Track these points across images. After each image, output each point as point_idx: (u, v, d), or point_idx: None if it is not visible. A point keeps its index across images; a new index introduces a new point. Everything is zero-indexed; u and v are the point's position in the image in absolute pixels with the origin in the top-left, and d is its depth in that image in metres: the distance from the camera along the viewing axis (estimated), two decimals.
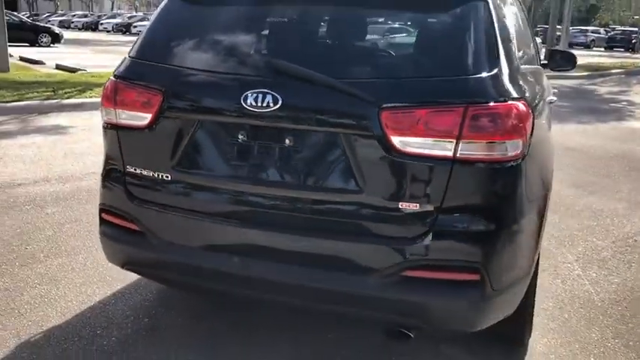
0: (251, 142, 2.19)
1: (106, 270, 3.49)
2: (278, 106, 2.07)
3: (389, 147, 2.00)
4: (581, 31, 45.62)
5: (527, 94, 2.23)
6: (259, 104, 2.08)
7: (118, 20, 45.34)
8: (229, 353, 2.73)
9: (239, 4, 2.41)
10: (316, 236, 2.14)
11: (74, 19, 49.47)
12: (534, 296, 2.94)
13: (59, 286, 3.34)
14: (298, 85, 2.09)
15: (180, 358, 2.68)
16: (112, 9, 66.37)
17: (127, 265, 2.54)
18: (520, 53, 2.69)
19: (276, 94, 2.06)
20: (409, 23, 2.36)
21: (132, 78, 2.39)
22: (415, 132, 1.98)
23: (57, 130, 7.81)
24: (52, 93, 9.88)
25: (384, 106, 2.00)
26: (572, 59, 4.49)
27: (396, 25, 2.33)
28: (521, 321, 2.64)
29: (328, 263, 2.15)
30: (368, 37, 2.39)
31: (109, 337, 2.85)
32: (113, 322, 2.98)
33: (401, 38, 2.32)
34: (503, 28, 2.26)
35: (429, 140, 1.98)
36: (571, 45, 38.77)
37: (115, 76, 2.46)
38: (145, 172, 2.38)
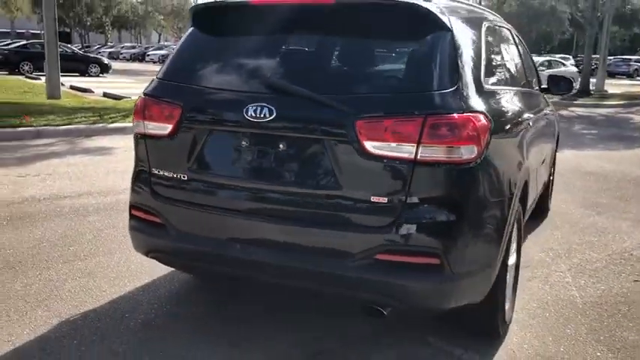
0: (252, 146, 2.64)
1: (136, 267, 3.96)
2: (273, 116, 2.51)
3: (362, 150, 2.42)
4: (624, 60, 45.16)
5: (488, 109, 2.62)
6: (258, 115, 2.53)
7: (163, 52, 47.17)
8: (239, 336, 3.14)
9: (242, 37, 2.89)
10: (304, 225, 2.55)
11: (123, 51, 51.73)
12: (514, 292, 3.29)
13: (95, 279, 3.82)
14: (289, 100, 2.53)
15: (195, 338, 3.10)
16: (159, 41, 68.88)
17: (150, 252, 3.00)
18: (495, 77, 3.09)
19: (272, 107, 2.51)
20: (382, 49, 2.78)
21: (157, 95, 2.88)
22: (383, 138, 2.40)
23: (101, 151, 8.47)
24: (98, 118, 10.62)
25: (359, 116, 2.42)
26: (569, 84, 4.83)
27: (371, 50, 2.74)
28: (493, 312, 2.97)
29: (315, 248, 2.55)
30: (347, 60, 2.82)
31: (135, 319, 3.29)
32: (139, 308, 3.44)
33: (374, 61, 2.73)
34: (468, 55, 2.67)
35: (395, 144, 2.39)
36: (612, 74, 38.48)
37: (144, 94, 2.96)
38: (166, 173, 2.85)
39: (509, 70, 3.56)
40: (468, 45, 2.73)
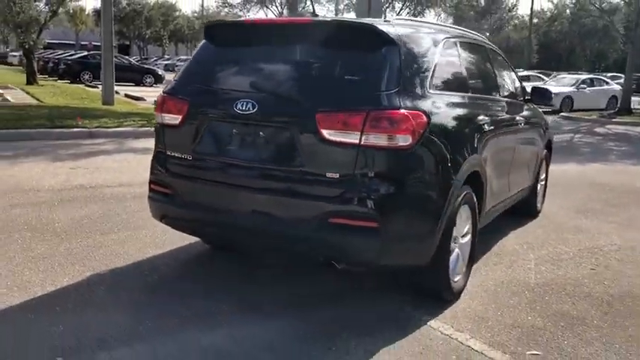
0: (240, 133, 3.37)
1: (160, 240, 4.73)
2: (255, 110, 3.24)
3: (320, 137, 3.11)
4: None
5: (428, 108, 3.28)
6: (244, 108, 3.26)
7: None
8: (239, 292, 3.86)
9: (238, 48, 3.66)
10: (277, 195, 3.26)
11: (178, 63, 53.82)
12: (468, 266, 3.91)
13: (125, 247, 4.61)
14: (268, 96, 3.26)
15: (197, 290, 3.84)
16: None
17: (163, 218, 3.77)
18: (446, 84, 3.72)
19: (254, 102, 3.24)
20: (343, 58, 3.42)
21: (172, 93, 3.66)
22: (336, 127, 3.08)
23: (145, 150, 9.36)
24: (146, 122, 11.63)
25: (319, 110, 3.12)
26: (547, 94, 5.41)
27: (334, 59, 3.42)
28: (436, 277, 3.59)
29: (286, 214, 3.25)
30: (314, 67, 3.49)
31: (152, 276, 4.07)
32: (158, 269, 4.21)
33: (336, 68, 3.41)
34: (413, 65, 3.34)
35: (345, 132, 3.07)
36: None
37: (163, 92, 3.74)
38: (176, 154, 3.61)
39: (469, 80, 4.16)
40: (415, 57, 3.40)
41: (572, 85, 23.77)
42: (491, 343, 3.28)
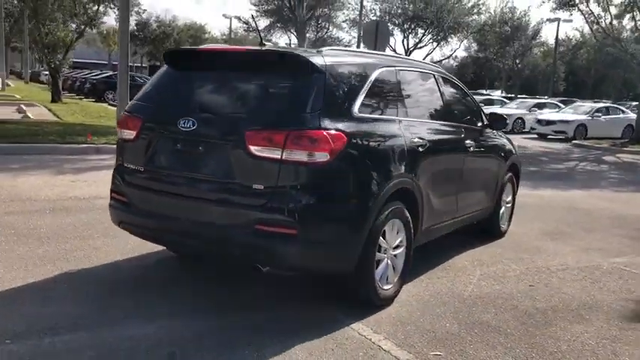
0: (182, 148, 3.78)
1: (131, 247, 5.13)
2: (195, 127, 3.65)
3: (248, 152, 3.50)
4: None
5: (350, 129, 3.64)
6: (185, 126, 3.68)
7: None
8: (186, 293, 4.25)
9: (188, 72, 4.09)
10: (213, 204, 3.65)
11: None
12: (401, 276, 4.24)
13: (98, 252, 5.03)
14: (205, 115, 3.68)
15: (149, 291, 4.23)
16: None
17: (120, 223, 4.18)
18: (375, 108, 4.08)
19: (194, 120, 3.65)
20: (273, 83, 3.79)
21: (129, 111, 4.10)
22: (262, 144, 3.47)
23: None
24: None
25: (247, 128, 3.52)
26: (502, 120, 5.77)
27: (265, 84, 3.80)
28: (363, 284, 3.92)
29: (221, 221, 3.63)
30: (247, 90, 3.87)
31: (114, 276, 4.49)
32: (121, 271, 4.64)
33: (266, 91, 3.79)
34: (338, 91, 3.72)
35: (269, 148, 3.46)
36: None
37: (124, 110, 4.18)
38: (131, 166, 4.04)
39: (406, 105, 4.50)
40: (340, 84, 3.78)
41: (586, 114, 23.82)
42: (401, 344, 3.59)
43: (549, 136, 23.39)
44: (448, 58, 52.79)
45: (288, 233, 3.47)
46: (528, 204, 8.52)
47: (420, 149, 4.40)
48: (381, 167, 3.94)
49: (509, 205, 6.66)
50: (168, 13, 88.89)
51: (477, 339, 3.74)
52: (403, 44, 45.51)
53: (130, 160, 4.07)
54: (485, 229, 6.35)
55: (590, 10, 23.56)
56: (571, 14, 24.98)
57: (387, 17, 43.47)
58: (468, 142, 5.34)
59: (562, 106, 27.81)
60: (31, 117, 15.36)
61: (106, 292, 4.20)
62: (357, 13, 36.90)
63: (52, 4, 21.40)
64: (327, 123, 3.55)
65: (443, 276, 5.00)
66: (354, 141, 3.69)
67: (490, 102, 30.16)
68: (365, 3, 39.12)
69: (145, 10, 31.39)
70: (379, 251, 4.05)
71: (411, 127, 4.41)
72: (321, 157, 3.48)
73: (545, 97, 38.98)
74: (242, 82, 3.88)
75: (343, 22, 40.37)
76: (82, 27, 22.44)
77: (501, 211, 6.41)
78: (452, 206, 5.18)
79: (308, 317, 3.90)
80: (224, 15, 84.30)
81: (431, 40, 44.89)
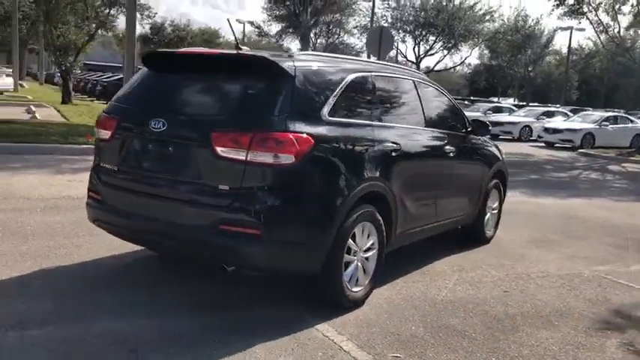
0: (153, 148, 3.86)
1: (113, 246, 5.19)
2: (165, 128, 3.73)
3: (215, 153, 3.57)
4: None
5: (318, 132, 3.70)
6: (156, 127, 3.76)
7: None
8: (161, 293, 4.32)
9: (163, 73, 4.18)
10: (180, 204, 3.72)
11: None
12: (372, 279, 4.32)
13: (80, 249, 5.13)
14: (175, 117, 3.75)
15: (123, 288, 4.31)
16: None
17: (95, 221, 4.27)
18: (347, 112, 4.12)
19: (164, 121, 3.73)
20: (244, 86, 3.85)
21: (107, 112, 4.20)
22: (228, 145, 3.54)
23: None
24: None
25: (214, 130, 3.59)
26: (485, 126, 5.81)
27: (235, 86, 3.87)
28: (330, 285, 3.97)
29: (188, 220, 3.70)
30: (217, 92, 3.94)
31: (92, 273, 4.57)
32: (100, 268, 4.73)
33: (236, 94, 3.86)
34: (308, 94, 3.79)
35: (234, 150, 3.53)
36: None
37: (103, 111, 4.28)
38: (107, 166, 4.13)
39: (380, 110, 4.56)
40: (310, 88, 3.85)
41: (594, 122, 23.68)
42: (362, 345, 3.64)
43: (556, 145, 23.28)
44: (460, 65, 52.75)
45: (251, 233, 3.54)
46: (522, 211, 8.53)
47: (393, 154, 4.45)
48: (349, 171, 3.98)
49: (495, 211, 6.68)
50: (184, 17, 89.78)
51: (439, 342, 3.78)
52: (414, 51, 45.53)
53: (105, 160, 4.16)
54: (470, 234, 6.37)
55: (599, 19, 23.47)
56: (579, 22, 24.87)
57: (399, 24, 43.57)
58: (447, 147, 5.38)
59: (570, 114, 27.66)
60: (39, 117, 15.59)
61: (82, 288, 4.28)
62: (369, 19, 37.07)
63: (65, 7, 21.70)
64: (294, 126, 3.61)
65: (419, 280, 5.03)
66: (322, 144, 3.75)
67: (499, 109, 30.07)
68: (377, 10, 39.22)
69: (155, 13, 31.76)
70: (348, 253, 4.10)
71: (385, 131, 4.45)
72: (287, 159, 3.54)
73: (557, 105, 38.72)
74: (213, 85, 3.96)
75: (354, 27, 40.49)
76: (94, 30, 22.72)
77: (486, 218, 6.43)
78: (430, 211, 5.21)
79: (278, 317, 3.95)
80: (237, 20, 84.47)
81: (442, 48, 44.88)
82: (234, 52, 4.06)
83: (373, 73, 4.59)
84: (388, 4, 40.92)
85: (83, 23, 22.61)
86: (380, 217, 4.33)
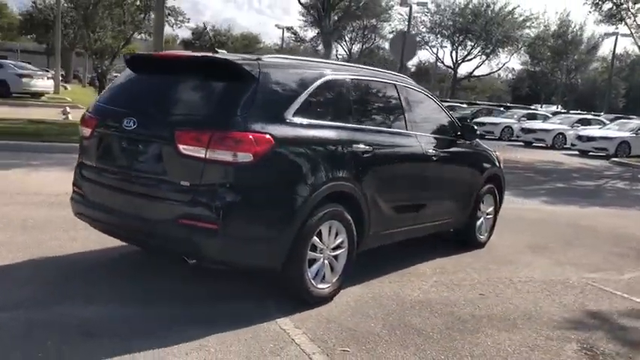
0: (126, 145, 4.06)
1: (106, 240, 5.46)
2: (135, 126, 3.93)
3: (177, 151, 3.74)
4: None
5: (278, 133, 3.83)
6: (128, 125, 3.96)
7: None
8: (132, 284, 4.52)
9: (139, 75, 4.39)
10: (146, 199, 3.91)
11: None
12: (339, 276, 4.42)
13: (74, 242, 5.36)
14: (144, 116, 3.95)
15: (100, 279, 4.52)
16: None
17: (78, 215, 4.50)
18: (312, 114, 4.19)
19: (135, 120, 3.93)
20: (208, 87, 4.01)
21: (89, 111, 4.43)
22: (189, 143, 3.71)
23: None
24: None
25: (177, 129, 3.77)
26: (472, 130, 5.86)
27: (200, 88, 4.04)
28: (293, 280, 4.10)
29: (152, 214, 3.89)
30: (183, 93, 4.10)
31: (76, 264, 4.80)
32: (85, 260, 4.96)
33: (200, 95, 4.04)
34: (271, 96, 3.94)
35: (195, 148, 3.69)
36: None
37: (86, 110, 4.52)
38: (87, 162, 4.36)
39: (353, 113, 4.64)
40: (275, 90, 3.99)
41: (631, 131, 23.06)
42: (315, 339, 3.74)
43: (590, 153, 22.77)
44: (499, 70, 52.02)
45: (209, 228, 3.69)
46: (530, 218, 8.48)
47: (365, 155, 4.52)
48: (313, 171, 4.08)
49: (489, 216, 6.66)
50: (229, 22, 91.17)
51: (394, 339, 3.85)
52: (451, 56, 45.23)
53: (86, 156, 4.39)
54: (461, 238, 6.39)
55: (638, 23, 22.87)
56: (617, 27, 24.29)
57: (438, 29, 43.34)
58: (431, 151, 5.42)
59: (607, 122, 26.99)
60: (70, 118, 16.18)
61: (63, 278, 4.51)
62: (406, 24, 37.03)
63: (102, 12, 22.46)
64: (254, 126, 3.75)
65: (397, 280, 5.09)
66: (283, 144, 3.87)
67: (533, 116, 29.57)
68: (416, 14, 39.07)
69: (188, 19, 32.64)
70: (314, 251, 4.21)
71: (357, 133, 4.54)
72: (245, 157, 3.69)
73: (601, 113, 37.77)
74: (183, 86, 4.14)
75: (390, 33, 40.48)
76: (130, 34, 23.43)
77: (479, 222, 6.43)
78: (410, 213, 5.27)
79: (244, 311, 4.08)
80: (276, 25, 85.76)
81: (480, 53, 44.39)
82: (207, 54, 4.24)
83: (348, 77, 4.70)
84: (427, 8, 40.83)
85: (120, 27, 23.33)
86: (349, 217, 4.42)
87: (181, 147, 3.74)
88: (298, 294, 4.19)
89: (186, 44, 64.25)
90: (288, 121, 3.99)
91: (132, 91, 4.32)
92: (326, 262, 4.34)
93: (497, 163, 6.66)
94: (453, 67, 45.47)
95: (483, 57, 44.58)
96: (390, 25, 40.67)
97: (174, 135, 3.76)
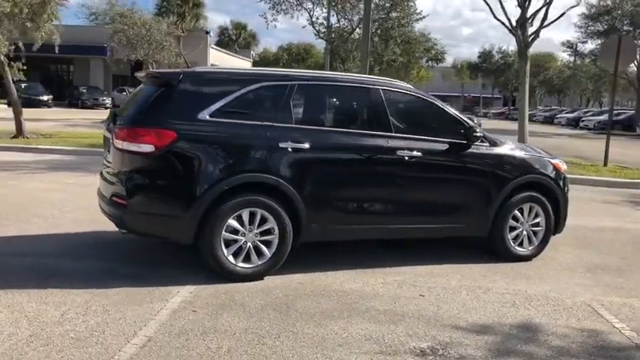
0: (109, 140, 5.34)
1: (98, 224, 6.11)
2: (112, 125, 5.19)
3: (114, 144, 4.89)
4: None
5: (183, 129, 4.69)
6: (110, 126, 5.25)
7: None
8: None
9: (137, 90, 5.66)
10: (107, 182, 5.15)
11: (559, 115, 50.11)
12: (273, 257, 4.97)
13: (58, 227, 6.79)
14: (117, 118, 5.18)
15: (87, 256, 5.86)
16: (583, 104, 65.57)
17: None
18: (231, 114, 4.87)
19: (117, 120, 5.18)
20: (145, 94, 5.01)
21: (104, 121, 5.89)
22: (118, 137, 4.82)
23: None
24: None
25: (116, 126, 4.92)
26: (473, 132, 5.73)
27: (144, 95, 5.06)
28: (208, 255, 4.81)
29: (107, 192, 5.09)
30: (138, 100, 5.16)
31: (67, 246, 6.08)
32: (78, 240, 6.12)
33: (140, 100, 5.01)
34: (184, 98, 4.83)
35: (120, 141, 4.78)
36: None
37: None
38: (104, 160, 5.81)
39: (285, 113, 5.07)
40: (193, 95, 4.87)
41: None
42: (197, 307, 4.29)
43: None
44: None
45: (122, 204, 4.79)
46: (606, 236, 7.44)
47: (297, 153, 4.96)
48: (223, 162, 4.83)
49: (538, 228, 6.08)
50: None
51: (222, 322, 4.07)
52: None
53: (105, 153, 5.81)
54: (490, 248, 6.04)
55: None
56: None
57: None
58: (416, 152, 5.44)
59: None
60: None
61: (43, 257, 5.36)
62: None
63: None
64: (160, 123, 4.70)
65: (354, 276, 5.20)
66: (187, 138, 4.74)
67: None
68: None
69: None
70: (235, 233, 4.84)
71: (289, 132, 4.99)
72: (147, 148, 4.69)
73: None
74: (139, 94, 5.35)
75: None
76: None
77: (514, 233, 5.98)
78: (375, 213, 5.45)
79: (165, 275, 4.92)
80: None
81: None
82: (164, 71, 5.35)
83: (292, 83, 5.16)
84: None
85: None
86: (278, 207, 4.91)
87: (115, 141, 4.87)
88: (214, 267, 4.87)
89: (472, 68, 65.07)
90: (200, 119, 4.80)
91: (129, 100, 5.71)
92: (249, 244, 4.89)
93: (544, 170, 6.06)
94: None
95: None
96: None
97: (115, 132, 4.94)
